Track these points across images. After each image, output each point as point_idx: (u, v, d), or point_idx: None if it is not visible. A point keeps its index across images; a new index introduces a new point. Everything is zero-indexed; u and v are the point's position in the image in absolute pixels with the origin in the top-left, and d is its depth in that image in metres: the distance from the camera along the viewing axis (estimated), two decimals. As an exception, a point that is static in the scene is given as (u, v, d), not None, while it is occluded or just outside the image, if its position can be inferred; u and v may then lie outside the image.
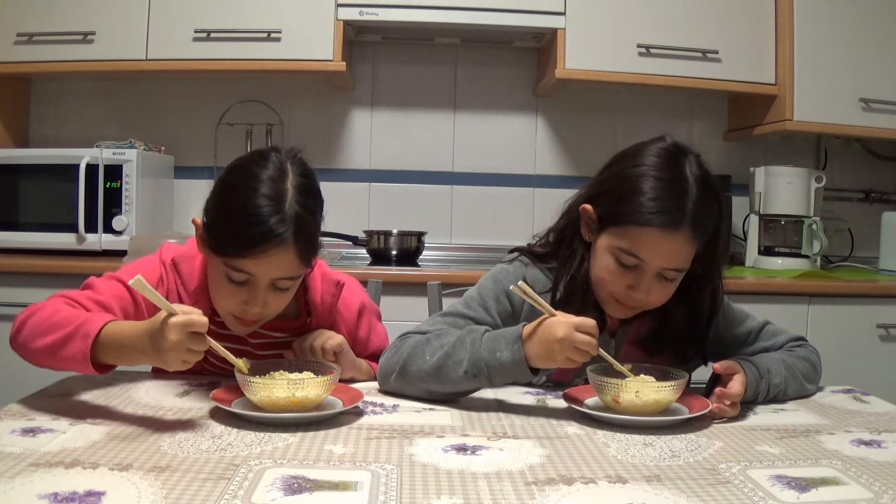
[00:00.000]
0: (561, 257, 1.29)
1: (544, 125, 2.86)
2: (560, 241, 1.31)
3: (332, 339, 1.24)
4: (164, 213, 2.64)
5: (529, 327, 1.11)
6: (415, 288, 2.06)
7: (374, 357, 1.32)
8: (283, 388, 1.04)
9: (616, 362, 1.14)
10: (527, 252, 1.34)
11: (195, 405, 1.11)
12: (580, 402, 1.14)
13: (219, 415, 1.05)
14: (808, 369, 1.29)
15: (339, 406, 1.09)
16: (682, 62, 2.50)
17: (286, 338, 1.29)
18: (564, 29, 2.46)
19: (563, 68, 2.46)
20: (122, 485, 0.79)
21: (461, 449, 0.95)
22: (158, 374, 1.27)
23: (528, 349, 1.10)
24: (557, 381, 1.33)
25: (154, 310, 1.00)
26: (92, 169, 2.31)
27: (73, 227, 2.31)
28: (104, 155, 2.33)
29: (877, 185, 2.95)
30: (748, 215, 2.73)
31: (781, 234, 2.64)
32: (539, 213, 2.78)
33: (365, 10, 2.42)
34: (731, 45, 2.52)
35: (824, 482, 0.87)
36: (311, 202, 1.15)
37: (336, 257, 2.55)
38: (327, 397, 1.10)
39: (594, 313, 1.25)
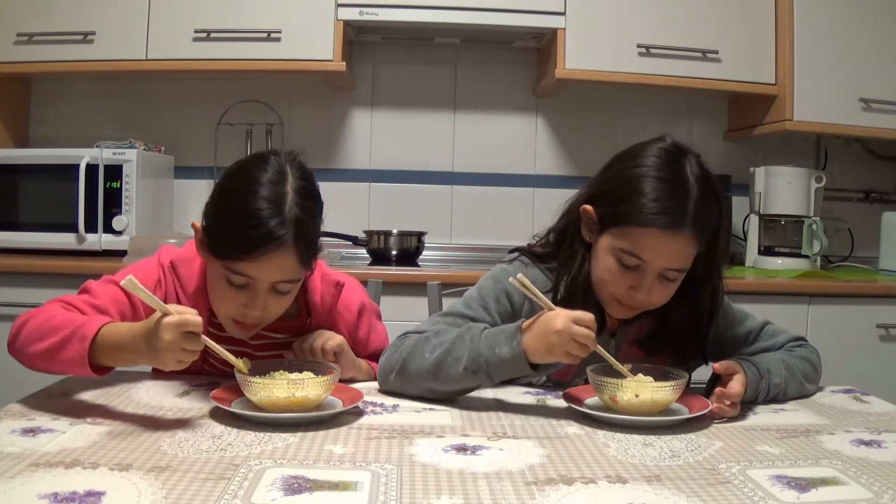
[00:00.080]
0: (561, 258, 1.29)
1: (544, 125, 2.86)
2: (560, 241, 1.31)
3: (331, 339, 1.24)
4: (164, 213, 2.64)
5: (528, 322, 1.12)
6: (415, 288, 2.06)
7: (373, 357, 1.32)
8: (283, 388, 1.04)
9: (615, 361, 1.14)
10: (527, 252, 1.34)
11: (195, 405, 1.11)
12: (580, 402, 1.14)
13: (219, 415, 1.05)
14: (808, 369, 1.29)
15: (339, 406, 1.09)
16: (682, 62, 2.50)
17: (286, 339, 1.29)
18: (564, 29, 2.46)
19: (563, 68, 2.46)
20: (122, 485, 0.79)
21: (461, 449, 0.95)
22: (158, 374, 1.27)
23: (527, 344, 1.10)
24: (557, 381, 1.33)
25: (151, 312, 1.00)
26: (92, 169, 2.31)
27: (73, 227, 2.31)
28: (104, 155, 2.33)
29: (877, 185, 2.95)
30: (748, 215, 2.73)
31: (781, 234, 2.64)
32: (539, 213, 2.78)
33: (365, 10, 2.42)
34: (731, 45, 2.52)
35: (824, 482, 0.87)
36: (311, 205, 1.15)
37: (336, 257, 2.55)
38: (327, 397, 1.10)
39: (595, 313, 1.25)
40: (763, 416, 1.15)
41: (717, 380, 1.18)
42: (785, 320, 1.47)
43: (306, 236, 1.13)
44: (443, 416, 1.11)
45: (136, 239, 2.28)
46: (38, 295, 2.14)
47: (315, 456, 0.91)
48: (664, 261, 1.16)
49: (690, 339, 1.28)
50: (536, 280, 1.24)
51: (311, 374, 1.11)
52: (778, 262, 2.59)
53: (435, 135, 2.84)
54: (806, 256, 2.59)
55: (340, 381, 1.16)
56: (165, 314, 0.98)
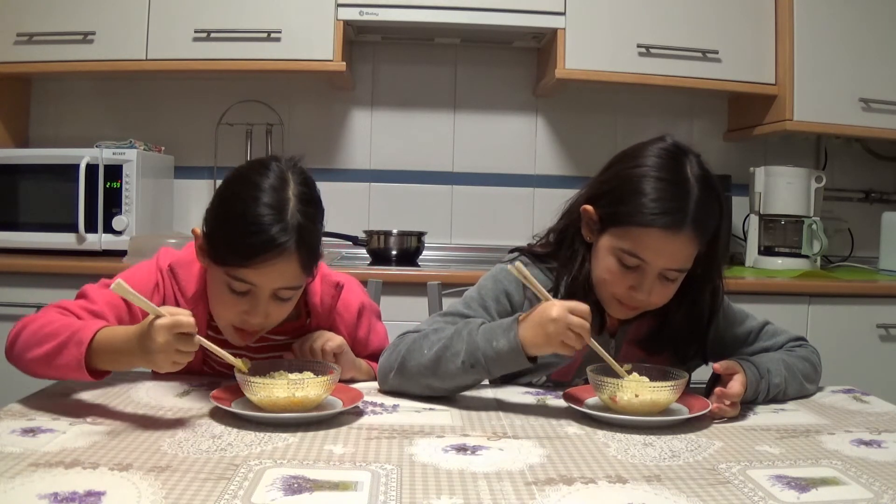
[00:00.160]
0: (562, 258, 1.29)
1: (544, 125, 2.86)
2: (560, 241, 1.31)
3: (331, 340, 1.24)
4: (164, 213, 2.64)
5: (525, 315, 1.12)
6: (415, 288, 2.06)
7: (373, 357, 1.32)
8: (283, 388, 1.04)
9: (613, 361, 1.13)
10: (527, 252, 1.34)
11: (195, 405, 1.11)
12: (580, 402, 1.14)
13: (219, 415, 1.05)
14: (808, 369, 1.29)
15: (339, 406, 1.09)
16: (682, 62, 2.50)
17: (285, 340, 1.29)
18: (564, 29, 2.46)
19: (563, 68, 2.46)
20: (122, 485, 0.79)
21: (461, 449, 0.95)
22: (158, 374, 1.26)
23: (524, 335, 1.10)
24: (557, 381, 1.33)
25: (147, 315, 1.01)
26: (92, 169, 2.31)
27: (73, 227, 2.31)
28: (104, 155, 2.33)
29: (877, 185, 2.95)
30: (748, 215, 2.73)
31: (781, 234, 2.64)
32: (539, 213, 2.78)
33: (365, 10, 2.42)
34: (731, 45, 2.52)
35: (824, 482, 0.87)
36: (313, 211, 1.15)
37: (336, 257, 2.55)
38: (327, 397, 1.10)
39: (595, 314, 1.25)
40: (763, 416, 1.15)
41: (717, 380, 1.18)
42: (785, 320, 1.47)
43: (308, 243, 1.12)
44: (443, 416, 1.10)
45: (136, 239, 2.28)
46: (38, 295, 2.15)
47: (315, 456, 0.91)
48: (665, 261, 1.16)
49: (690, 339, 1.28)
50: (536, 280, 1.24)
51: (311, 374, 1.11)
52: (778, 262, 2.59)
53: (435, 135, 2.84)
54: (806, 256, 2.59)
55: (340, 381, 1.16)
56: (158, 316, 0.98)
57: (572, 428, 1.06)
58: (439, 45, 2.80)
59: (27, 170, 2.37)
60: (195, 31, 2.40)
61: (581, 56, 2.46)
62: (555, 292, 1.26)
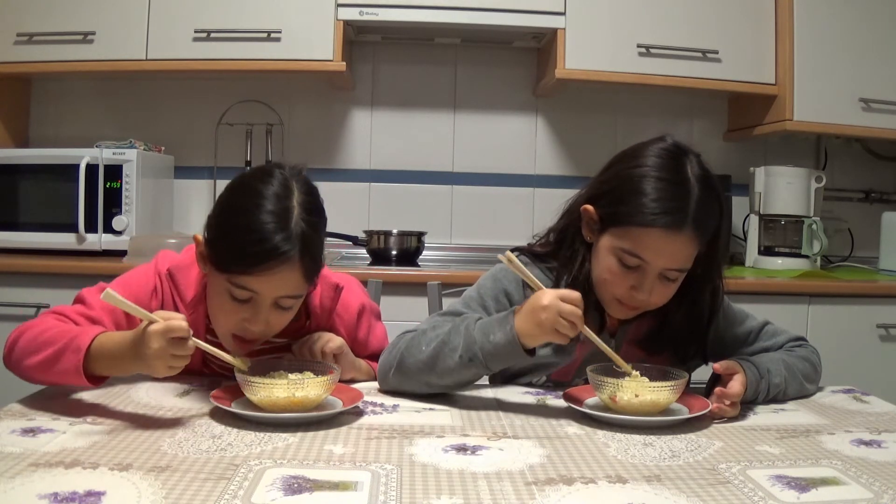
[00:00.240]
0: (562, 258, 1.29)
1: (544, 125, 2.86)
2: (561, 241, 1.31)
3: (331, 341, 1.24)
4: (164, 213, 2.64)
5: (519, 307, 1.12)
6: (415, 288, 2.06)
7: (373, 357, 1.32)
8: (283, 388, 1.04)
9: (610, 350, 1.13)
10: (527, 252, 1.34)
11: (195, 405, 1.11)
12: (580, 402, 1.14)
13: (219, 415, 1.05)
14: (808, 369, 1.29)
15: (339, 406, 1.09)
16: (682, 62, 2.50)
17: (284, 342, 1.28)
18: (564, 29, 2.46)
19: (563, 68, 2.46)
20: (122, 485, 0.79)
21: (461, 449, 0.95)
22: (157, 376, 1.27)
23: (519, 326, 1.10)
24: (557, 381, 1.33)
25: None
26: (92, 169, 2.31)
27: (73, 227, 2.31)
28: (104, 155, 2.33)
29: (877, 185, 2.95)
30: (748, 215, 2.73)
31: (781, 234, 2.64)
32: (539, 213, 2.78)
33: (365, 10, 2.42)
34: (731, 45, 2.52)
35: (824, 482, 0.87)
36: (316, 220, 1.14)
37: (336, 257, 2.55)
38: (327, 397, 1.10)
39: (595, 314, 1.25)
40: (763, 416, 1.15)
41: (717, 380, 1.18)
42: (785, 320, 1.47)
43: (311, 252, 1.12)
44: (443, 416, 1.11)
45: (136, 239, 2.28)
46: (38, 295, 2.15)
47: (315, 456, 0.91)
48: (665, 261, 1.17)
49: (690, 339, 1.28)
50: (536, 279, 1.24)
51: (311, 375, 1.11)
52: (778, 262, 2.59)
53: (435, 135, 2.84)
54: (806, 256, 2.59)
55: (341, 381, 1.16)
56: (152, 322, 0.99)
57: (572, 428, 1.06)
58: (439, 45, 2.80)
59: (27, 170, 2.37)
60: (195, 31, 2.40)
61: (581, 56, 2.46)
62: (555, 292, 1.25)
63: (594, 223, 1.23)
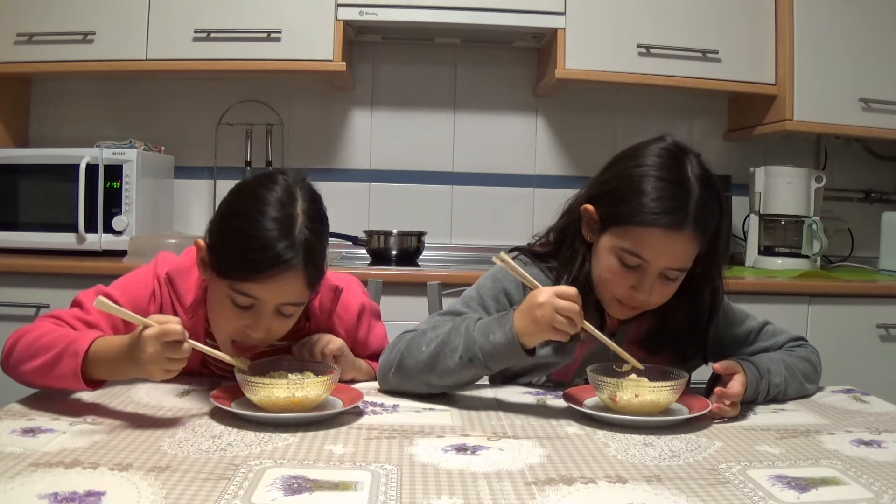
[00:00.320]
0: (562, 258, 1.29)
1: (544, 125, 2.86)
2: (561, 241, 1.31)
3: (331, 343, 1.24)
4: (164, 213, 2.64)
5: (518, 306, 1.12)
6: (415, 288, 2.06)
7: (373, 357, 1.32)
8: (283, 388, 1.04)
9: (612, 344, 1.13)
10: (526, 251, 1.34)
11: (195, 405, 1.11)
12: (580, 402, 1.14)
13: (219, 415, 1.05)
14: (808, 369, 1.29)
15: (339, 406, 1.09)
16: (682, 62, 2.50)
17: (284, 343, 1.28)
18: (564, 29, 2.46)
19: (563, 68, 2.46)
20: (122, 485, 0.79)
21: (461, 449, 0.95)
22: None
23: (517, 325, 1.10)
24: (557, 381, 1.33)
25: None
26: (92, 169, 2.31)
27: (73, 227, 2.31)
28: (104, 155, 2.32)
29: (877, 185, 2.95)
30: (748, 215, 2.73)
31: (781, 234, 2.64)
32: (539, 213, 2.78)
33: (365, 10, 2.42)
34: (731, 45, 2.52)
35: (824, 482, 0.87)
36: (319, 227, 1.14)
37: (336, 257, 2.55)
38: (327, 397, 1.10)
39: (595, 314, 1.25)
40: (763, 416, 1.15)
41: (717, 380, 1.18)
42: (785, 320, 1.47)
43: (314, 259, 1.12)
44: (443, 416, 1.11)
45: (136, 239, 2.28)
46: (38, 295, 2.15)
47: (315, 456, 0.91)
48: (666, 260, 1.17)
49: (690, 339, 1.28)
50: (536, 279, 1.24)
51: (311, 375, 1.11)
52: (778, 262, 2.59)
53: (435, 135, 2.84)
54: (806, 256, 2.59)
55: (341, 382, 1.16)
56: (147, 327, 0.99)
57: (572, 428, 1.06)
58: (439, 45, 2.80)
59: (27, 170, 2.37)
60: (195, 31, 2.40)
61: (581, 56, 2.46)
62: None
63: (594, 223, 1.23)
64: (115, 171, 2.32)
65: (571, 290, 1.09)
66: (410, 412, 1.12)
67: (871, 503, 0.81)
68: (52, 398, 1.11)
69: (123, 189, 2.32)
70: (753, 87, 2.55)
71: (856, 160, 2.93)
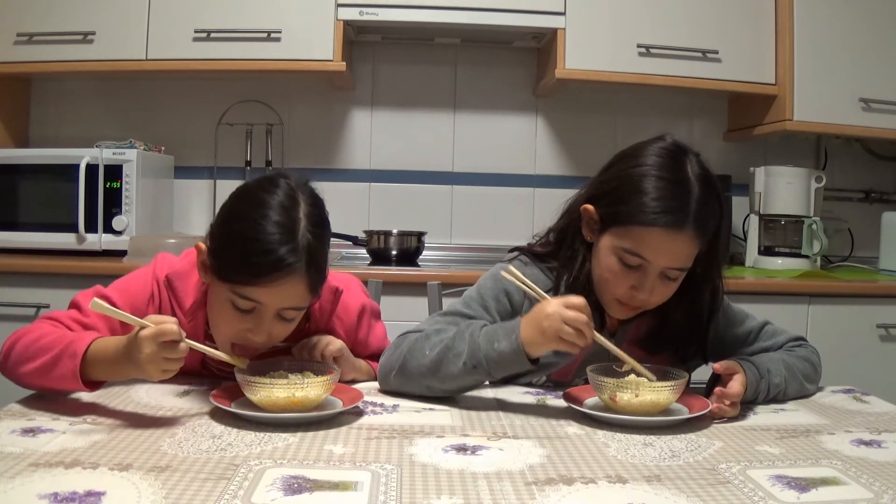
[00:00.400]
0: (562, 258, 1.29)
1: (544, 125, 2.86)
2: (561, 241, 1.31)
3: (331, 344, 1.23)
4: (164, 213, 2.64)
5: (525, 316, 1.12)
6: (415, 288, 2.06)
7: (374, 357, 1.32)
8: (283, 388, 1.04)
9: (610, 344, 1.13)
10: (527, 251, 1.34)
11: (195, 405, 1.11)
12: (580, 402, 1.14)
13: (219, 415, 1.05)
14: (808, 369, 1.29)
15: (339, 406, 1.09)
16: (682, 62, 2.50)
17: (284, 345, 1.28)
18: (564, 29, 2.46)
19: (563, 68, 2.46)
20: (122, 485, 0.79)
21: (461, 449, 0.95)
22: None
23: (524, 335, 1.10)
24: (557, 381, 1.33)
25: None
26: (92, 169, 2.31)
27: (73, 227, 2.31)
28: (104, 155, 2.33)
29: (877, 185, 2.95)
30: (748, 215, 2.73)
31: (781, 234, 2.64)
32: (539, 213, 2.78)
33: (365, 10, 2.42)
34: (731, 45, 2.52)
35: (824, 482, 0.87)
36: (322, 232, 1.14)
37: (336, 257, 2.55)
38: (327, 397, 1.10)
39: (595, 314, 1.24)
40: (763, 416, 1.15)
41: (717, 380, 1.18)
42: (785, 320, 1.47)
43: (317, 263, 1.12)
44: (443, 416, 1.11)
45: (136, 239, 2.28)
46: (38, 295, 2.15)
47: (315, 456, 0.91)
48: (666, 260, 1.17)
49: (690, 339, 1.28)
50: (537, 279, 1.24)
51: (311, 374, 1.11)
52: (778, 262, 2.59)
53: (435, 135, 2.84)
54: (806, 256, 2.59)
55: (341, 383, 1.16)
56: (143, 327, 0.99)
57: (572, 428, 1.06)
58: (439, 45, 2.80)
59: (27, 170, 2.37)
60: (195, 31, 2.40)
61: (581, 56, 2.46)
62: (555, 292, 1.25)
63: (594, 223, 1.23)
64: (115, 171, 2.32)
65: (580, 300, 1.09)
66: (410, 412, 1.12)
67: (871, 503, 0.81)
68: (51, 398, 1.11)
69: (123, 189, 2.32)
70: (753, 87, 2.55)
71: (856, 160, 2.93)
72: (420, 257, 2.57)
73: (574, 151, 2.86)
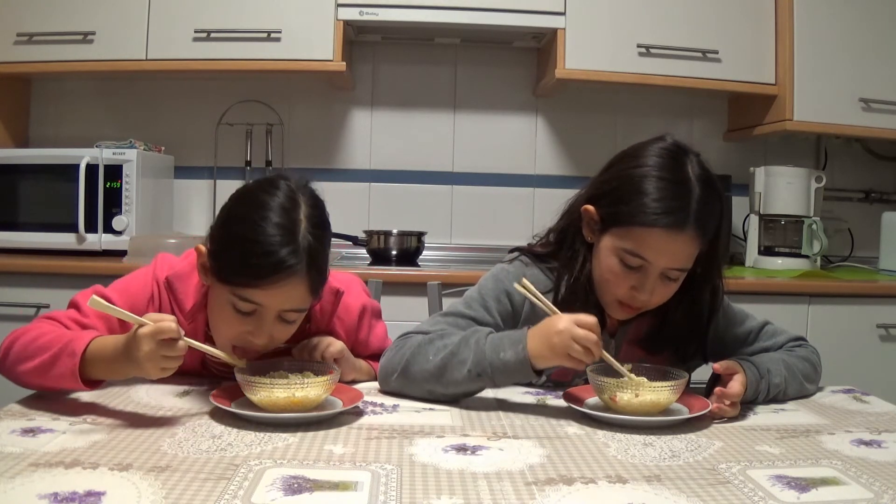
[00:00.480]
0: (562, 258, 1.29)
1: (544, 125, 2.86)
2: (561, 241, 1.31)
3: (331, 345, 1.23)
4: (164, 213, 2.64)
5: (533, 328, 1.12)
6: (415, 288, 2.06)
7: (374, 357, 1.32)
8: (283, 388, 1.04)
9: (616, 363, 1.13)
10: (527, 252, 1.34)
11: (195, 405, 1.11)
12: (580, 402, 1.14)
13: (219, 415, 1.05)
14: (808, 369, 1.29)
15: (339, 406, 1.09)
16: (682, 62, 2.50)
17: (285, 346, 1.28)
18: (564, 29, 2.46)
19: (563, 68, 2.46)
20: (122, 485, 0.79)
21: (461, 449, 0.95)
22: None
23: (531, 347, 1.10)
24: (557, 381, 1.32)
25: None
26: (92, 169, 2.31)
27: (73, 227, 2.31)
28: (104, 155, 2.33)
29: (877, 185, 2.95)
30: (748, 215, 2.73)
31: (781, 234, 2.64)
32: (539, 213, 2.78)
33: (365, 10, 2.42)
34: (731, 45, 2.52)
35: (824, 482, 0.87)
36: (322, 233, 1.14)
37: (336, 257, 2.55)
38: (327, 397, 1.10)
39: (595, 313, 1.25)
40: (763, 416, 1.15)
41: (717, 380, 1.18)
42: (785, 320, 1.47)
43: (318, 265, 1.11)
44: (443, 416, 1.11)
45: (136, 239, 2.28)
46: (38, 295, 2.15)
47: (315, 456, 0.91)
48: (667, 260, 1.17)
49: (690, 339, 1.28)
50: (537, 280, 1.24)
51: (312, 375, 1.11)
52: (778, 262, 2.59)
53: (435, 135, 2.84)
54: (806, 256, 2.59)
55: (341, 383, 1.16)
56: (142, 325, 0.99)
57: (572, 428, 1.06)
58: (439, 45, 2.80)
59: (27, 170, 2.37)
60: (195, 31, 2.40)
61: (581, 56, 2.46)
62: (555, 293, 1.25)
63: (595, 223, 1.23)
64: (115, 171, 2.32)
65: (591, 319, 1.09)
66: (410, 412, 1.12)
67: (871, 503, 0.81)
68: (51, 398, 1.11)
69: (123, 189, 2.32)
70: (753, 87, 2.55)
71: (856, 160, 2.93)
72: (420, 257, 2.57)
73: (574, 151, 2.86)
